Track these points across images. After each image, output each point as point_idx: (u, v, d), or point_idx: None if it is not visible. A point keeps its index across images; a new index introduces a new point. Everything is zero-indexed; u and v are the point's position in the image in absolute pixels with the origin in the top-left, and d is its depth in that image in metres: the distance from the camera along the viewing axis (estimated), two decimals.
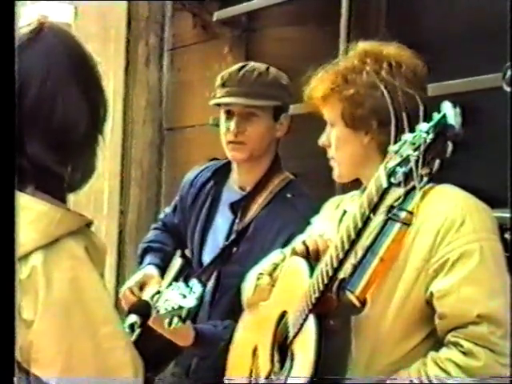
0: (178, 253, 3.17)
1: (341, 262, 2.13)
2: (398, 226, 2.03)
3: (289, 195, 3.01)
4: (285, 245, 2.69)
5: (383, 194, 2.00)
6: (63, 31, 1.74)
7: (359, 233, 2.07)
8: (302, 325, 2.25)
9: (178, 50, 4.45)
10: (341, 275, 2.15)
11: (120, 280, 4.63)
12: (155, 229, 3.32)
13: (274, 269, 2.56)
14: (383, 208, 2.07)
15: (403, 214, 2.02)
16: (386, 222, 2.05)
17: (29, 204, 1.60)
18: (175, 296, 2.64)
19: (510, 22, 2.54)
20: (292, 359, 2.30)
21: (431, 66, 2.36)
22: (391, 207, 2.06)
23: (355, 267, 2.08)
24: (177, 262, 3.11)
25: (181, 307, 2.60)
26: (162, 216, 3.38)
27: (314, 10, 3.62)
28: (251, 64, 3.09)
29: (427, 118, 1.92)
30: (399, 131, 2.03)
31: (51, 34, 1.69)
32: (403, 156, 1.91)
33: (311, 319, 2.22)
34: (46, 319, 1.55)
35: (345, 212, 2.43)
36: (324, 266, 2.18)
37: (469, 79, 2.77)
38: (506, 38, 2.57)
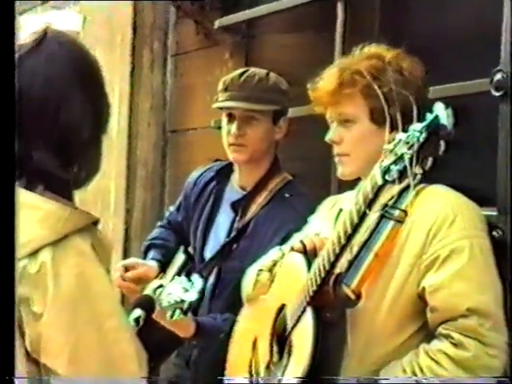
0: (181, 249, 3.18)
1: (337, 256, 2.13)
2: (391, 223, 2.03)
3: (287, 195, 3.01)
4: (283, 242, 2.69)
5: (378, 191, 2.00)
6: (67, 37, 1.73)
7: (355, 228, 2.07)
8: (300, 317, 2.26)
9: (181, 55, 4.45)
10: (337, 270, 2.15)
11: None
12: (160, 227, 3.33)
13: (274, 265, 2.56)
14: (378, 206, 2.07)
15: (397, 213, 2.03)
16: (380, 220, 2.05)
17: (38, 203, 1.60)
18: (177, 290, 2.63)
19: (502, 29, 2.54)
20: (290, 350, 2.30)
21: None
22: (385, 206, 2.06)
23: (351, 263, 2.08)
24: (180, 258, 3.12)
25: (183, 300, 2.60)
26: (167, 214, 3.39)
27: (310, 17, 3.62)
28: (252, 69, 3.09)
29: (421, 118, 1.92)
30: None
31: (55, 41, 1.69)
32: (398, 154, 1.91)
33: (309, 312, 2.22)
34: (54, 312, 1.55)
35: (340, 210, 2.43)
36: (321, 260, 2.18)
37: (459, 84, 2.76)
38: (495, 43, 2.57)
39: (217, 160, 3.31)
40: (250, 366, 2.49)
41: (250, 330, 2.57)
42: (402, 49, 2.36)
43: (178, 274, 3.01)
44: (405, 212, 2.03)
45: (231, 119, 3.01)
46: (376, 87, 2.25)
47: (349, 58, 2.43)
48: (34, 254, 1.56)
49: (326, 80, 2.36)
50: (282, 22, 3.89)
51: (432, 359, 2.14)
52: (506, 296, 2.19)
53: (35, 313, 1.55)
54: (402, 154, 1.89)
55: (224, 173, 3.16)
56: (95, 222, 1.66)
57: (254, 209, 3.02)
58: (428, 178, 1.99)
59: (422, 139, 1.87)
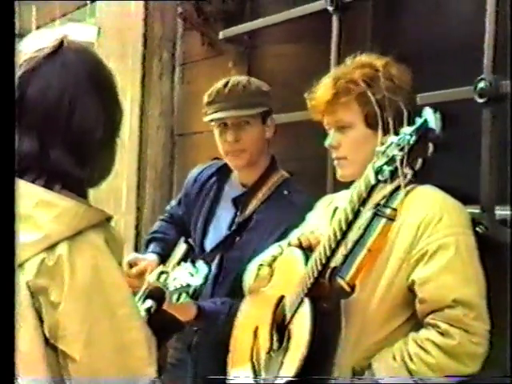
0: (182, 239, 3.16)
1: (333, 251, 2.13)
2: (383, 221, 2.03)
3: (285, 192, 3.00)
4: (282, 236, 2.68)
5: (371, 190, 2.01)
6: (81, 47, 1.73)
7: (350, 224, 2.08)
8: (298, 307, 2.26)
9: (188, 64, 4.44)
10: (333, 264, 2.15)
11: None
12: (161, 220, 3.32)
13: (273, 260, 2.56)
14: (371, 205, 2.08)
15: (388, 211, 2.03)
16: (373, 218, 2.05)
17: (55, 201, 1.60)
18: (183, 275, 2.63)
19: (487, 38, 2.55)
20: (289, 338, 2.30)
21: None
22: (378, 204, 2.07)
23: (346, 257, 2.08)
24: (181, 247, 3.10)
25: (189, 285, 2.60)
26: (168, 208, 3.37)
27: (308, 29, 3.62)
28: (233, 78, 3.07)
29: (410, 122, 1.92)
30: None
31: (71, 49, 1.69)
32: (389, 156, 1.91)
33: (306, 302, 2.22)
34: (70, 301, 1.55)
35: (336, 208, 2.43)
36: (318, 255, 2.18)
37: (445, 91, 2.76)
38: (478, 53, 2.57)
39: (215, 158, 3.31)
40: (252, 353, 2.48)
41: (251, 320, 2.57)
42: (391, 57, 2.37)
43: (180, 262, 2.99)
44: (396, 210, 2.03)
45: (224, 129, 2.99)
46: (370, 94, 2.25)
47: (342, 67, 2.43)
48: (51, 247, 1.56)
49: (322, 90, 2.35)
50: (282, 33, 3.89)
51: (420, 347, 2.14)
52: (489, 288, 2.20)
53: (53, 302, 1.55)
54: (394, 156, 1.90)
55: (224, 170, 3.13)
56: (108, 219, 1.66)
57: (254, 204, 3.01)
58: (417, 179, 2.00)
59: (412, 142, 1.87)
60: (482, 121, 2.55)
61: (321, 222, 2.48)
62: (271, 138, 3.07)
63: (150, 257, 3.10)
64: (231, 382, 2.53)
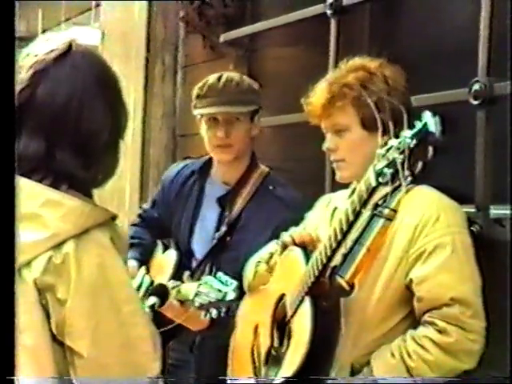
0: (160, 244, 3.10)
1: (334, 251, 2.12)
2: (382, 221, 2.02)
3: (270, 187, 2.97)
4: (275, 231, 2.65)
5: (372, 192, 2.00)
6: (89, 50, 1.72)
7: (351, 225, 2.07)
8: (298, 306, 2.25)
9: (189, 67, 4.44)
10: (333, 263, 2.15)
11: None
12: (133, 225, 3.22)
13: (270, 257, 2.54)
14: (370, 205, 2.07)
15: (387, 211, 2.01)
16: (372, 218, 2.04)
17: (62, 200, 1.59)
18: (210, 290, 2.57)
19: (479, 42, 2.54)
20: (290, 335, 2.29)
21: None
22: (376, 205, 2.06)
23: (345, 256, 2.07)
24: (172, 256, 3.02)
25: (219, 300, 2.55)
26: (140, 212, 3.29)
27: (307, 32, 3.62)
28: (226, 74, 3.02)
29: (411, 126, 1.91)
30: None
31: (79, 53, 1.68)
32: (390, 159, 1.90)
33: (307, 301, 2.22)
34: (77, 298, 1.54)
35: (335, 208, 2.43)
36: (319, 254, 2.17)
37: (440, 93, 2.76)
38: (473, 56, 2.57)
39: (187, 157, 3.28)
40: (253, 351, 2.48)
41: (251, 317, 2.56)
42: (384, 59, 2.36)
43: (176, 272, 2.94)
44: (394, 211, 2.02)
45: (214, 123, 2.95)
46: (365, 97, 2.24)
47: (336, 71, 2.42)
48: (58, 246, 1.55)
49: (318, 95, 2.34)
50: (281, 36, 3.89)
51: (418, 344, 2.13)
52: (484, 286, 2.20)
53: (60, 299, 1.55)
54: (394, 159, 1.88)
55: (203, 169, 3.08)
56: (113, 218, 1.65)
57: (240, 202, 2.97)
58: (415, 179, 1.99)
59: (412, 145, 1.86)
60: (476, 122, 2.55)
61: (320, 221, 2.47)
62: (256, 135, 3.04)
63: (129, 263, 2.98)
64: (232, 382, 2.52)
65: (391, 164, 1.89)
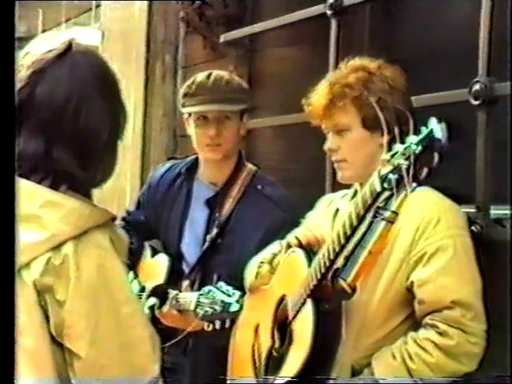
0: (148, 248, 3.05)
1: (337, 255, 2.11)
2: (383, 223, 2.00)
3: (259, 186, 2.93)
4: (266, 231, 2.65)
5: (376, 197, 1.98)
6: (89, 50, 1.71)
7: (354, 229, 2.05)
8: (300, 308, 2.24)
9: (190, 67, 4.43)
10: (335, 266, 2.14)
11: None
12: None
13: (273, 258, 2.53)
14: (371, 208, 2.06)
15: (388, 214, 1.99)
16: (373, 220, 2.03)
17: (62, 201, 1.58)
18: (212, 301, 2.56)
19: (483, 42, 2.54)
20: (292, 337, 2.28)
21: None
22: (378, 207, 2.04)
23: (347, 259, 2.05)
24: (164, 261, 2.97)
25: (222, 311, 2.54)
26: (125, 215, 3.21)
27: (307, 32, 3.61)
28: (215, 72, 2.97)
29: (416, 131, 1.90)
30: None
31: (79, 52, 1.67)
32: (395, 165, 1.88)
33: (309, 303, 2.20)
34: (76, 300, 1.53)
35: (337, 210, 2.42)
36: (322, 257, 2.15)
37: (440, 93, 2.76)
38: (473, 56, 2.56)
39: (171, 158, 3.26)
40: (253, 350, 2.47)
41: (252, 317, 2.55)
42: (384, 59, 2.35)
43: (169, 276, 2.91)
44: (396, 213, 2.01)
45: (204, 122, 2.90)
46: (366, 97, 2.24)
47: (337, 72, 2.40)
48: (58, 247, 1.54)
49: (319, 95, 2.33)
50: (281, 36, 3.88)
51: (419, 346, 2.13)
52: (485, 287, 2.19)
53: (59, 300, 1.54)
54: (399, 164, 1.86)
55: (190, 170, 3.04)
56: (113, 219, 1.65)
57: (229, 203, 2.93)
58: (420, 185, 1.98)
59: (417, 151, 1.84)
60: (476, 122, 2.55)
61: (321, 221, 2.46)
62: (244, 135, 3.02)
63: None
64: (232, 382, 2.52)
65: (396, 169, 1.88)
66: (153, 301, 2.75)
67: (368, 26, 3.41)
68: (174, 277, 2.91)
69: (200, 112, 2.91)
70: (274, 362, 2.34)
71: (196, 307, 2.58)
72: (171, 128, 4.57)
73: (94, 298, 1.55)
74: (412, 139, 1.86)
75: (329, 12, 3.27)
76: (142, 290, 2.84)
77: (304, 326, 2.20)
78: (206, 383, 2.76)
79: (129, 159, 4.56)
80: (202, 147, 2.95)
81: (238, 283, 2.63)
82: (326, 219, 2.43)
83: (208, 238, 2.92)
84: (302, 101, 2.39)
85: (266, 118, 3.79)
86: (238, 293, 2.57)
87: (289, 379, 2.22)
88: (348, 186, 2.42)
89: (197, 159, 3.05)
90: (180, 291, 2.80)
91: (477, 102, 2.53)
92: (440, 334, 2.12)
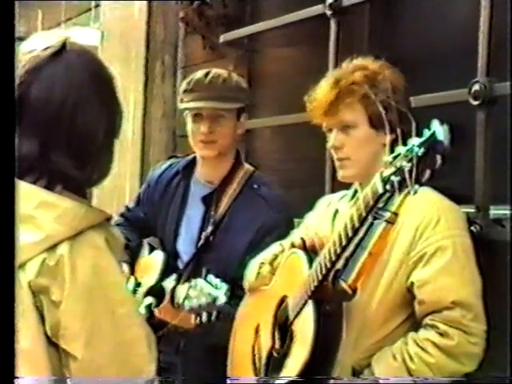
0: (147, 245, 3.06)
1: (338, 256, 2.10)
2: (383, 224, 1.99)
3: (255, 186, 2.94)
4: (258, 231, 2.63)
5: (378, 199, 1.97)
6: (84, 49, 1.69)
7: (356, 231, 2.04)
8: (301, 308, 2.23)
9: (189, 67, 4.43)
10: (336, 267, 2.13)
11: None
12: (118, 225, 3.11)
13: (274, 259, 2.52)
14: (373, 209, 2.05)
15: (388, 215, 1.99)
16: (373, 221, 2.02)
17: (57, 201, 1.57)
18: (200, 293, 2.54)
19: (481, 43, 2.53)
20: (292, 337, 2.27)
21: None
22: (378, 208, 2.03)
23: (347, 260, 2.05)
24: (159, 257, 2.98)
25: (209, 304, 2.52)
26: (124, 211, 3.22)
27: (306, 32, 3.61)
28: (214, 70, 2.98)
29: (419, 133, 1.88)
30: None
31: (73, 52, 1.65)
32: (397, 167, 1.87)
33: (310, 304, 2.20)
34: (71, 300, 1.52)
35: (337, 211, 2.41)
36: (323, 258, 2.14)
37: (440, 93, 2.75)
38: (472, 57, 2.56)
39: (172, 157, 3.26)
40: (253, 351, 2.46)
41: (252, 318, 2.54)
42: (384, 60, 2.34)
43: (163, 273, 2.90)
44: (395, 214, 2.00)
45: (198, 118, 2.91)
46: (373, 95, 2.22)
47: (340, 69, 2.39)
48: (53, 248, 1.53)
49: (324, 91, 2.30)
50: (281, 37, 3.88)
51: (420, 347, 2.13)
52: (485, 287, 2.19)
53: (54, 301, 1.53)
54: (402, 167, 1.85)
55: (188, 168, 3.05)
56: (108, 219, 1.64)
57: (225, 201, 2.93)
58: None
59: (420, 153, 1.82)
60: (476, 122, 2.54)
61: (320, 222, 2.46)
62: (241, 134, 3.02)
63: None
64: (232, 382, 2.51)
65: (398, 171, 1.86)
66: (149, 300, 2.74)
67: (367, 26, 3.41)
68: (169, 273, 2.90)
69: (194, 108, 2.93)
70: (275, 362, 2.34)
71: (184, 300, 2.57)
72: (171, 128, 4.57)
73: (90, 299, 1.54)
74: (414, 141, 1.85)
75: (328, 12, 3.27)
76: (138, 285, 2.84)
77: (305, 327, 2.20)
78: (209, 381, 2.75)
79: (128, 159, 4.56)
80: (196, 143, 2.95)
81: (226, 280, 2.61)
82: (325, 220, 2.42)
83: (203, 235, 2.92)
84: (304, 98, 2.38)
85: (265, 118, 3.79)
86: (225, 286, 2.55)
87: (289, 379, 2.21)
88: (348, 186, 2.41)
89: (195, 158, 3.06)
90: (175, 287, 2.80)
91: (476, 102, 2.53)
92: (440, 334, 2.11)
